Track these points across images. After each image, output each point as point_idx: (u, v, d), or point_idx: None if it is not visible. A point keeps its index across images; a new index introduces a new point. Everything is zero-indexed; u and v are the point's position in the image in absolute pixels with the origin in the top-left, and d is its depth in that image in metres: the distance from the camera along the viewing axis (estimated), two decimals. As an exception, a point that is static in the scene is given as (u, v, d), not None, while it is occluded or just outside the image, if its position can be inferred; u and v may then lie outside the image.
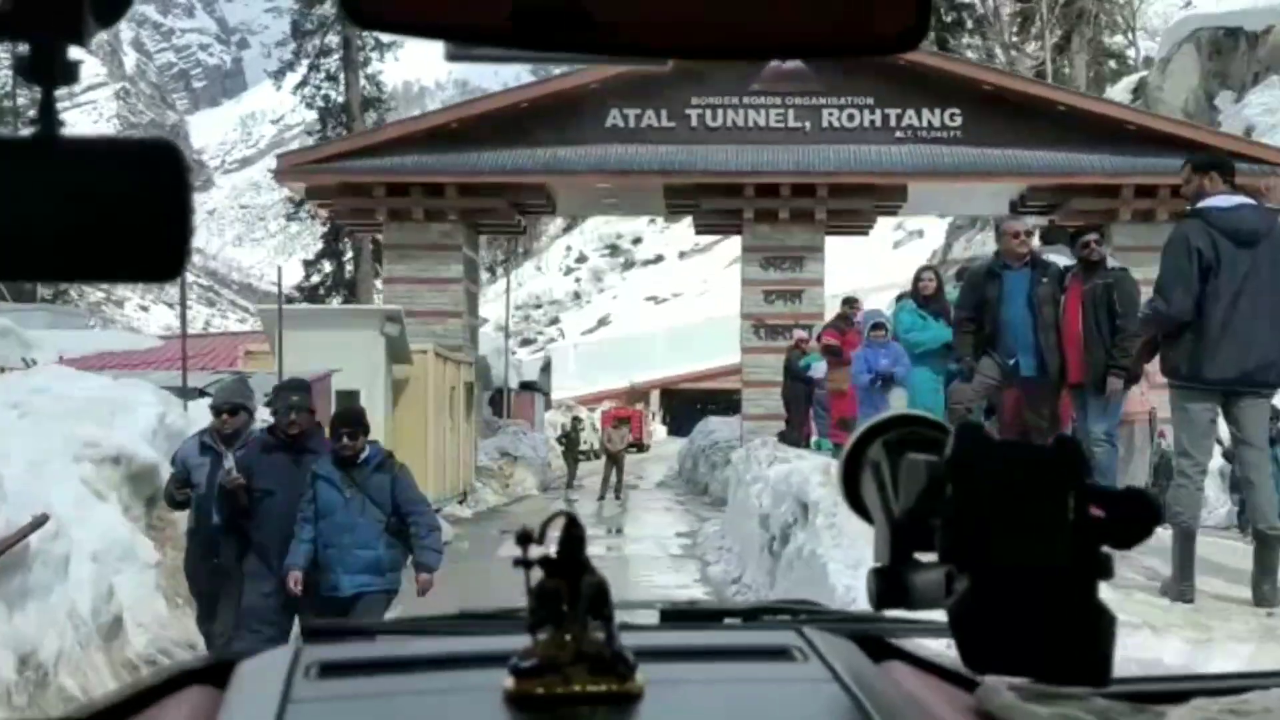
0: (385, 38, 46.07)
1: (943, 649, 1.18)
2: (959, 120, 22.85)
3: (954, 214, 33.56)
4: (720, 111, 23.01)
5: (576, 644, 1.09)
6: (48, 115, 0.95)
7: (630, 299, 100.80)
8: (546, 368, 41.08)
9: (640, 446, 49.18)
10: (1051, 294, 8.33)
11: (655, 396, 61.51)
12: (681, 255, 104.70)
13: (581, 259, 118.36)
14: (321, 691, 1.17)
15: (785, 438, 16.64)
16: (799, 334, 18.97)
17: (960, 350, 8.84)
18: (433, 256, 23.02)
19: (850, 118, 23.02)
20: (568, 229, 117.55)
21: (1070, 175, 22.21)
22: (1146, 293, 6.97)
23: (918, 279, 11.40)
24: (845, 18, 0.96)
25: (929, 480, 0.96)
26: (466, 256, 23.57)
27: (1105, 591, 0.94)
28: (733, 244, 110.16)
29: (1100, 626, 0.93)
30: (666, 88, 21.90)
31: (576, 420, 32.79)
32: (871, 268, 60.26)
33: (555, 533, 1.10)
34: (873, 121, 23.01)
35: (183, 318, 15.09)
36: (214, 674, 1.27)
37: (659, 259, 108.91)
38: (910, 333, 10.99)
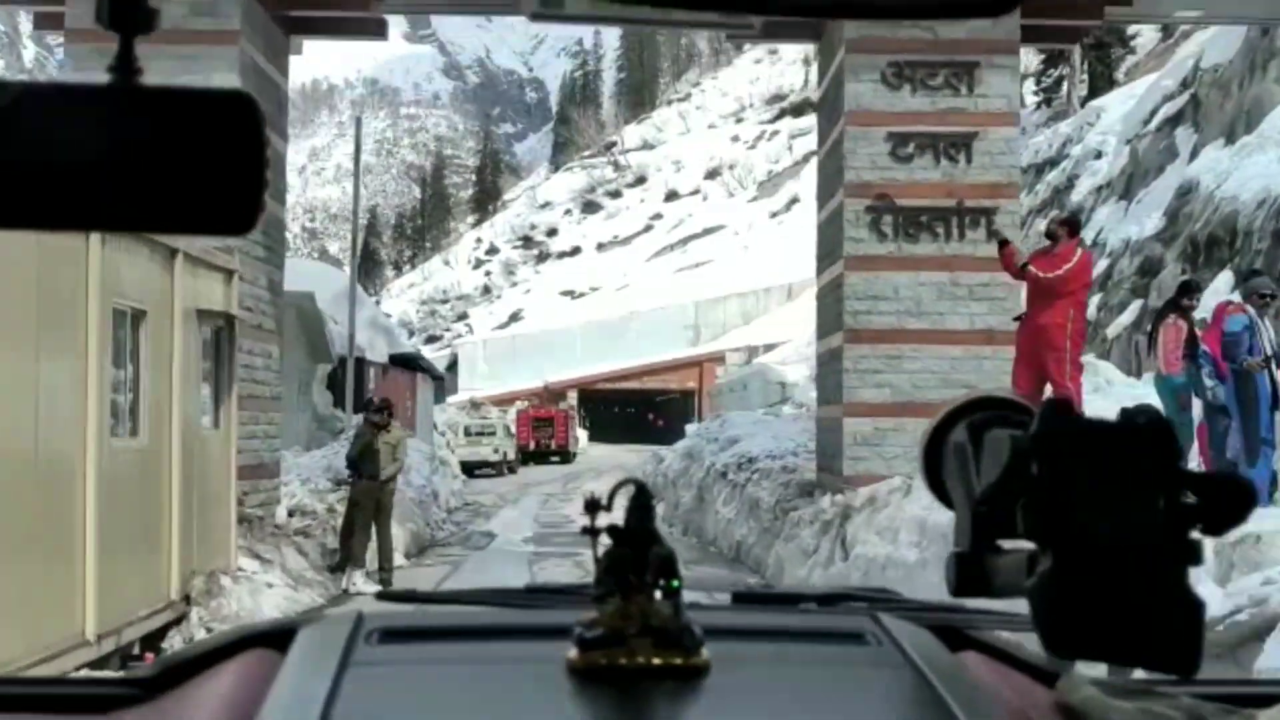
0: None
1: (1022, 643, 1.17)
2: None
3: (1225, 13, 19.13)
4: None
5: (643, 615, 1.07)
6: (126, 63, 0.95)
7: (544, 293, 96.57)
8: (453, 365, 40.40)
9: (565, 455, 46.40)
10: None
11: (574, 397, 59.07)
12: (600, 247, 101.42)
13: (492, 251, 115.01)
14: (381, 656, 1.17)
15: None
16: None
17: None
18: (185, 60, 10.86)
19: None
20: (478, 221, 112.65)
21: None
22: None
23: None
24: None
25: (1013, 456, 0.93)
26: (255, 65, 11.32)
27: None
28: (655, 237, 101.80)
29: (1189, 613, 0.90)
30: None
31: (379, 413, 13.68)
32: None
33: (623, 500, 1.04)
34: None
35: None
36: (277, 638, 1.27)
37: (575, 251, 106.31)
38: None
